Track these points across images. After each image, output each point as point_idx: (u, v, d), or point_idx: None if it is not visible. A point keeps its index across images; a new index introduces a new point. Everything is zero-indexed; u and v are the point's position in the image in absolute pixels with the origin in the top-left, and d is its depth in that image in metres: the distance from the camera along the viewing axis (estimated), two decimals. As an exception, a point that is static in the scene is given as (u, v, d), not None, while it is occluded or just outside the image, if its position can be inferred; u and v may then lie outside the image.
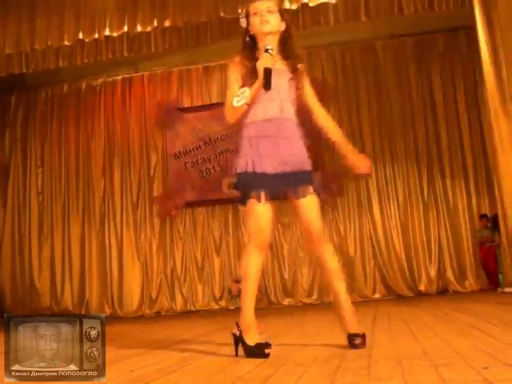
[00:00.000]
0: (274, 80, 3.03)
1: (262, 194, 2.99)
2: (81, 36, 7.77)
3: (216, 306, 9.49)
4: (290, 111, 3.14)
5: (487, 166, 8.85)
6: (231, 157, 9.67)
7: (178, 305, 9.62)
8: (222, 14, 7.53)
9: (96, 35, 7.78)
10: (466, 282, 8.92)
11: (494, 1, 6.98)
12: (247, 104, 3.05)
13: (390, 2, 7.91)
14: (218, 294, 9.57)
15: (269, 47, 3.05)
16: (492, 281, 8.46)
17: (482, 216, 8.77)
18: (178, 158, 9.98)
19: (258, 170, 2.99)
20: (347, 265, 9.13)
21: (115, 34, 7.87)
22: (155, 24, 7.68)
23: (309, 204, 3.05)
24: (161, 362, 3.02)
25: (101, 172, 10.27)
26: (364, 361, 2.48)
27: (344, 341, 3.02)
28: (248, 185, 3.03)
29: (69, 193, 10.32)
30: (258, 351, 2.89)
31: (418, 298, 8.42)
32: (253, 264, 3.06)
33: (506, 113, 6.90)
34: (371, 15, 8.03)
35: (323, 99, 9.69)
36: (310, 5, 7.51)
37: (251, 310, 3.04)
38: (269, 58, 3.02)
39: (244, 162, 3.04)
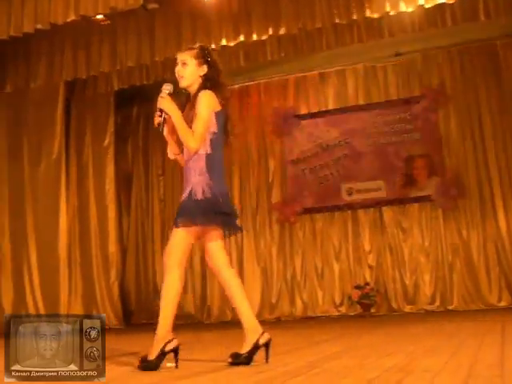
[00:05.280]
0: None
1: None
2: (198, 47, 7.99)
3: (336, 313, 9.44)
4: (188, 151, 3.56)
5: None
6: (349, 163, 9.68)
7: (298, 310, 9.67)
8: (336, 21, 7.53)
9: (213, 45, 7.97)
10: None
11: None
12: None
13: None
14: (338, 301, 9.53)
15: (167, 90, 3.47)
16: None
17: None
18: (296, 164, 10.07)
19: None
20: (471, 271, 8.86)
21: (232, 44, 8.05)
22: (270, 32, 7.78)
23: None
24: (289, 365, 3.08)
25: (221, 178, 10.46)
26: (496, 370, 2.44)
27: (472, 349, 2.96)
28: None
29: (189, 200, 10.57)
30: None
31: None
32: None
33: None
34: (491, 14, 7.76)
35: (441, 103, 9.50)
36: (426, 6, 7.37)
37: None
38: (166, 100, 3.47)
39: None
